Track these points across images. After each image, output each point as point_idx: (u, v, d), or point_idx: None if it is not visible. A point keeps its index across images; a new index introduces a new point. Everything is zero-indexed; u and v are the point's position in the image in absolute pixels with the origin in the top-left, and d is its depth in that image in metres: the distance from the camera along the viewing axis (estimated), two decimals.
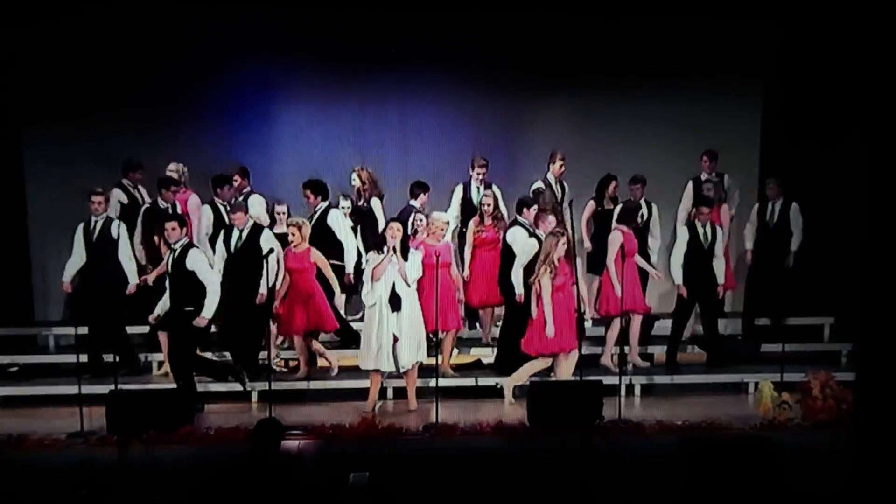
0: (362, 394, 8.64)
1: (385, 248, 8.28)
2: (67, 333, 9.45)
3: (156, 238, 9.24)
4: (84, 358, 8.51)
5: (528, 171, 10.39)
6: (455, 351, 9.36)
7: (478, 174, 9.87)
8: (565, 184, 10.14)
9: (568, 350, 8.41)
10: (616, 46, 10.59)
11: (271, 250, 8.54)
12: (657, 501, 6.02)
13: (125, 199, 9.78)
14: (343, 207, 9.70)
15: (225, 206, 9.52)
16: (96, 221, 8.93)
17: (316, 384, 9.05)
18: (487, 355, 9.56)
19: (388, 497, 5.98)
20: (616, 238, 9.07)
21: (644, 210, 9.81)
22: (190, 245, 8.34)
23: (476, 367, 9.53)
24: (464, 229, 9.59)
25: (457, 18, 10.43)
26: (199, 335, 8.33)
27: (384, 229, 8.56)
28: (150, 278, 9.07)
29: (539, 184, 9.94)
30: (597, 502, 6.15)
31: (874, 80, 7.50)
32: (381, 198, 9.97)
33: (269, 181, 10.50)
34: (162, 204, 9.46)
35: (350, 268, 9.41)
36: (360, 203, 9.89)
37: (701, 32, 10.63)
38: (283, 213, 9.40)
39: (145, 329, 9.03)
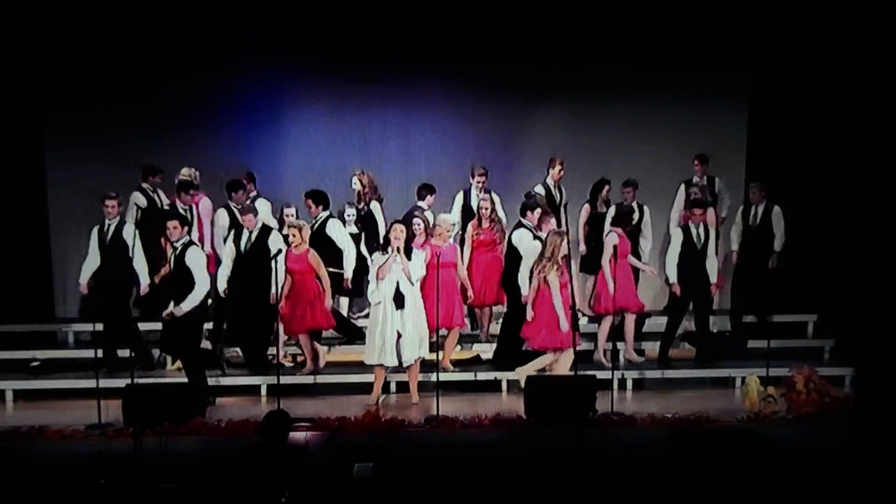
0: (366, 388, 8.78)
1: (389, 249, 8.45)
2: (86, 330, 9.64)
3: (162, 240, 9.34)
4: (101, 353, 8.60)
5: (527, 175, 10.55)
6: (458, 347, 9.49)
7: (478, 182, 10.03)
8: (563, 188, 10.30)
9: (571, 345, 8.51)
10: (610, 52, 10.67)
11: (280, 251, 8.69)
12: (648, 491, 6.01)
13: (144, 203, 9.95)
14: (349, 215, 9.82)
15: (238, 209, 9.62)
16: (109, 224, 9.09)
17: (322, 378, 9.16)
18: (486, 351, 9.68)
19: (390, 486, 6.04)
20: (612, 239, 9.22)
21: (636, 213, 9.99)
22: (191, 243, 8.47)
23: (475, 363, 9.65)
24: (463, 234, 9.75)
25: (458, 24, 10.55)
26: (192, 329, 8.43)
27: (388, 230, 8.68)
28: (158, 278, 9.21)
29: (539, 188, 10.13)
30: (590, 491, 6.26)
31: (864, 81, 7.67)
32: (380, 201, 10.13)
33: (276, 184, 10.65)
34: (180, 206, 9.64)
35: (349, 273, 9.50)
36: (361, 206, 10.04)
37: (692, 38, 10.70)
38: (292, 216, 9.53)
39: (159, 326, 9.06)
